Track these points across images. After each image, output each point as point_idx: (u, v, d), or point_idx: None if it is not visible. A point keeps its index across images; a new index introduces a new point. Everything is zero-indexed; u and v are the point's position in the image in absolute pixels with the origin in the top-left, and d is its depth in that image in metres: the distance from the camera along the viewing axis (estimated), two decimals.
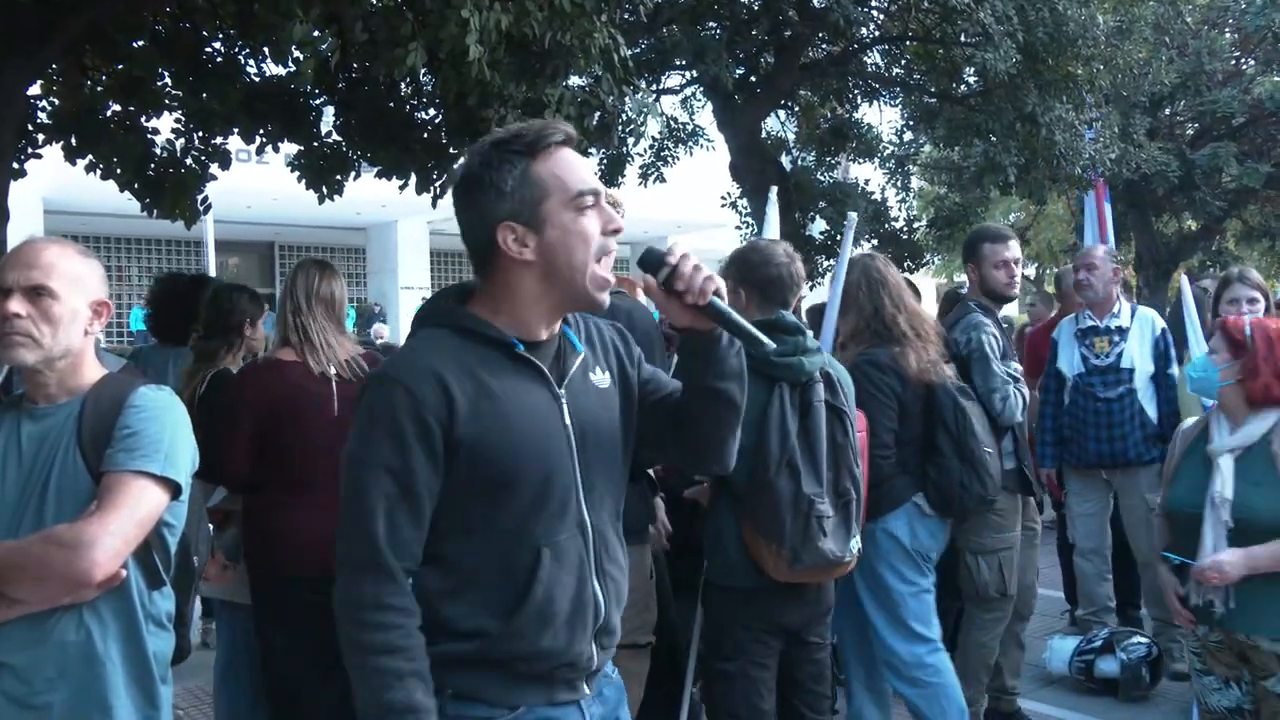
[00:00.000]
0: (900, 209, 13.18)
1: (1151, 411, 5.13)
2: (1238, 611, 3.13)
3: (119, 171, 5.83)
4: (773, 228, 5.34)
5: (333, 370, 3.41)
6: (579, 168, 1.82)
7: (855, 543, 3.18)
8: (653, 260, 1.79)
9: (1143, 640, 5.04)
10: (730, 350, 1.87)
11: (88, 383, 2.18)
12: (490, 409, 1.76)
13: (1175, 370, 5.15)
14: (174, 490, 2.12)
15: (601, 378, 1.93)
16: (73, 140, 5.69)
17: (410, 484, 1.73)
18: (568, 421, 1.83)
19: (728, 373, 1.87)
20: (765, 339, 1.82)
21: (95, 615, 2.06)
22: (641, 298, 3.53)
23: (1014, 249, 4.45)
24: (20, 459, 2.11)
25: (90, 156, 5.79)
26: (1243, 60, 15.48)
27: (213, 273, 20.89)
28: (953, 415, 3.76)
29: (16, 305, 2.08)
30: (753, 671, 3.18)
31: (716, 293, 1.78)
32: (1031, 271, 26.65)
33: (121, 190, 5.98)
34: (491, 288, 1.84)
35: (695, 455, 2.02)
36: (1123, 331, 5.24)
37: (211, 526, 3.66)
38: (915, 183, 15.27)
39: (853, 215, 4.83)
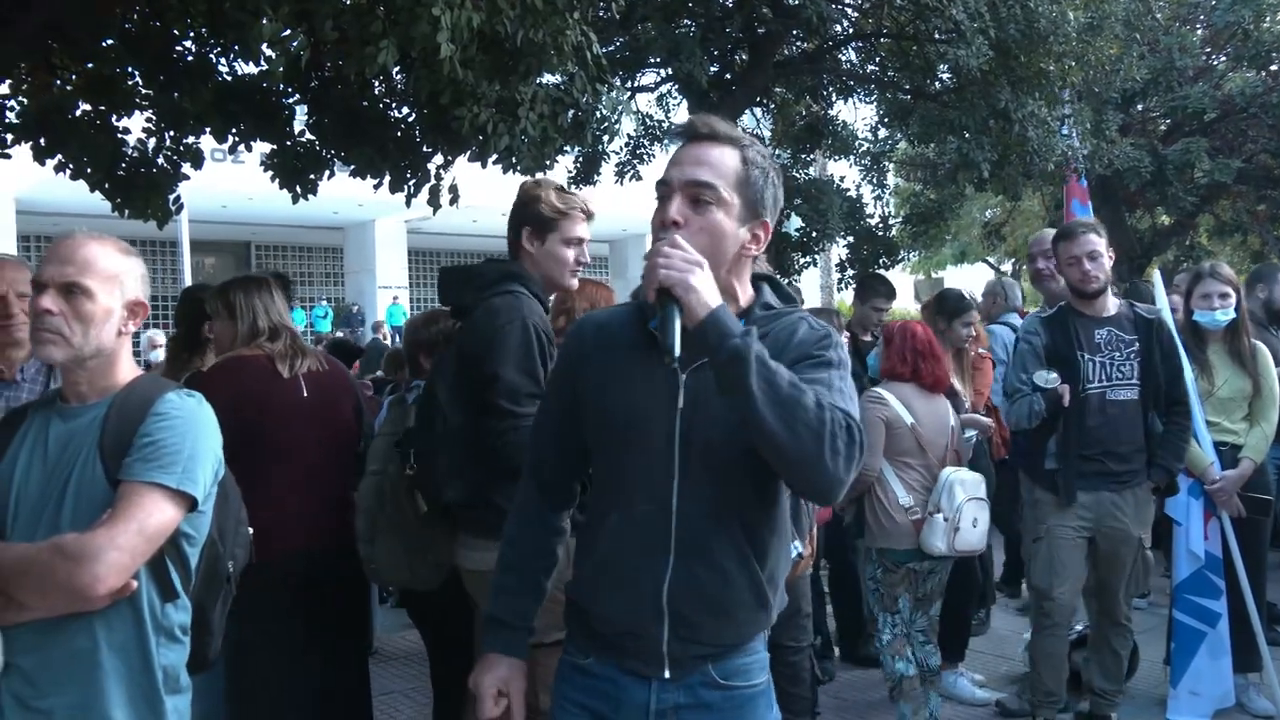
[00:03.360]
0: (876, 206, 13.27)
1: None
2: None
3: (89, 171, 5.77)
4: None
5: (300, 368, 3.48)
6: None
7: (797, 544, 3.18)
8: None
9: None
10: (728, 375, 1.70)
11: (120, 383, 2.15)
12: (608, 372, 1.95)
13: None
14: (190, 504, 2.07)
15: None
16: (41, 140, 5.63)
17: (550, 414, 2.12)
18: (680, 404, 1.88)
19: (735, 399, 1.71)
20: (671, 349, 1.72)
21: (105, 624, 2.02)
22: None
23: (1084, 243, 4.33)
24: (46, 458, 2.08)
25: (60, 156, 5.73)
26: (1213, 56, 15.63)
27: (188, 274, 20.80)
28: None
29: (49, 302, 2.06)
30: None
31: (671, 290, 1.72)
32: (1008, 268, 26.85)
33: (92, 190, 5.93)
34: None
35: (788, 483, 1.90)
36: None
37: None
38: (891, 179, 15.35)
39: None
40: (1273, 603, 5.63)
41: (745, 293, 2.00)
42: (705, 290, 1.73)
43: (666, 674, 1.92)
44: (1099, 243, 4.33)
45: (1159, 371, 4.31)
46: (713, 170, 1.88)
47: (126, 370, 2.18)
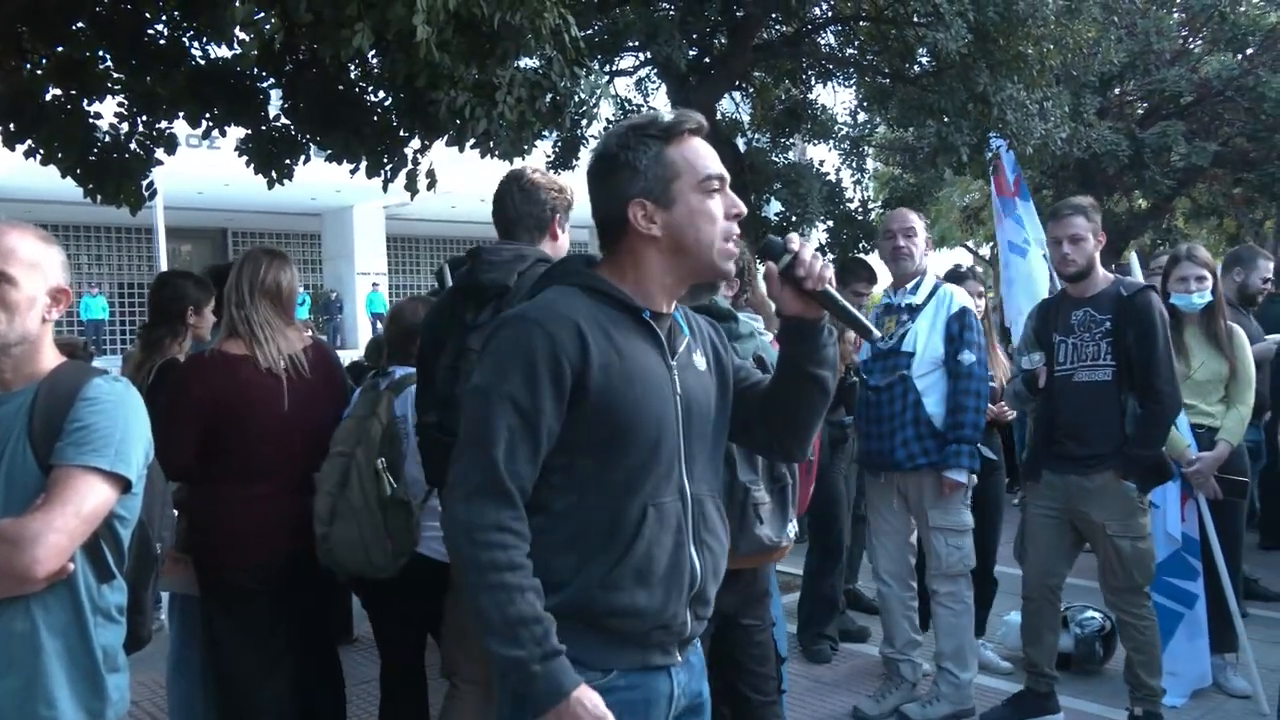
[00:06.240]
0: (855, 190, 13.23)
1: (932, 405, 4.41)
2: None
3: (60, 156, 5.69)
4: None
5: (281, 366, 3.35)
6: (707, 155, 1.97)
7: (792, 527, 3.19)
8: (775, 248, 1.96)
9: (1095, 614, 5.10)
10: (830, 340, 2.03)
11: (44, 370, 2.15)
12: (618, 365, 1.87)
13: (967, 357, 4.39)
14: (124, 485, 2.09)
15: (700, 360, 2.05)
16: (11, 125, 5.55)
17: (535, 421, 1.83)
18: (678, 390, 1.95)
19: (826, 360, 2.03)
20: (873, 328, 2.04)
21: (42, 606, 2.04)
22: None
23: (1066, 226, 4.20)
24: None
25: (30, 141, 5.65)
26: (1190, 39, 15.68)
27: (164, 260, 20.64)
28: None
29: None
30: None
31: (829, 280, 1.94)
32: (986, 252, 26.92)
33: (63, 175, 5.84)
34: (618, 259, 1.98)
35: (781, 440, 2.17)
36: (914, 310, 4.54)
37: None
38: (870, 163, 15.33)
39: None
40: (1250, 576, 5.68)
41: None
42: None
43: (678, 657, 1.99)
44: (1082, 226, 4.20)
45: (1131, 352, 4.12)
46: None
47: (50, 357, 2.19)
